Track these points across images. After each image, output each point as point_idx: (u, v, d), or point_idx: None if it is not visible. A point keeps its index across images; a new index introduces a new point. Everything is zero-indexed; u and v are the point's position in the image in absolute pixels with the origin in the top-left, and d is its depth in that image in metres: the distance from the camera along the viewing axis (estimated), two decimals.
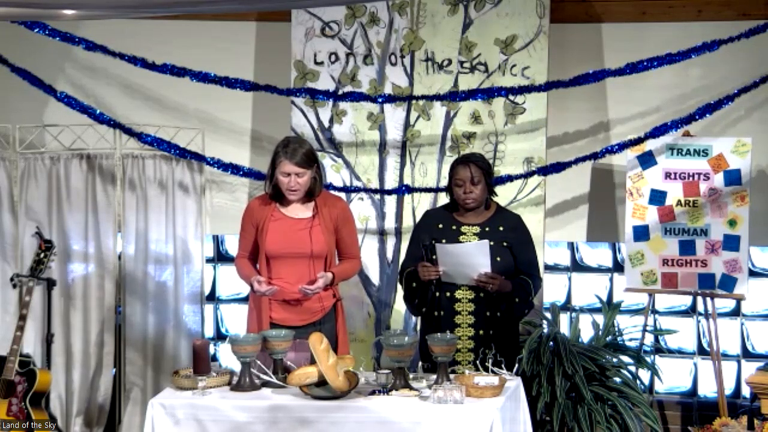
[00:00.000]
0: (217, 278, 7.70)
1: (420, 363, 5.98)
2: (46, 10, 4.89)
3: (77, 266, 7.32)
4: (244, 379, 5.40)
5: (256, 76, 7.26)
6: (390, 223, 7.10)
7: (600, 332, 6.76)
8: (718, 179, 6.74)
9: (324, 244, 5.76)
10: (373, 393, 5.30)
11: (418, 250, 5.87)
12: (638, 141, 6.78)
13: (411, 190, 7.00)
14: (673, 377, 7.17)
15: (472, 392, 5.24)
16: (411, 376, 5.50)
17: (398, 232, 7.07)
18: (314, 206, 5.81)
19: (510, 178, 6.83)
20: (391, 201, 7.10)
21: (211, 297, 7.68)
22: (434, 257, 5.76)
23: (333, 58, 7.14)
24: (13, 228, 7.24)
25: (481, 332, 5.81)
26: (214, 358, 7.46)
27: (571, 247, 7.36)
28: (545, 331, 6.65)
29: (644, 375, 6.98)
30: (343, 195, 6.72)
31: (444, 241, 5.83)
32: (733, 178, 6.72)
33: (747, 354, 7.13)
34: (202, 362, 5.41)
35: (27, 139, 7.23)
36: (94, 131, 7.23)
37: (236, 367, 5.52)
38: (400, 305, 6.91)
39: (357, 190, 7.07)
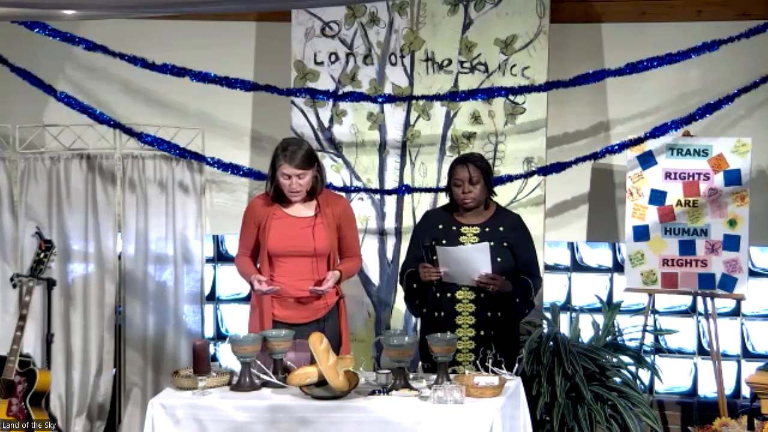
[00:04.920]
0: (217, 278, 7.71)
1: (420, 363, 5.98)
2: (46, 10, 4.89)
3: (77, 266, 7.32)
4: (244, 379, 5.40)
5: (256, 76, 7.26)
6: (390, 223, 7.10)
7: (600, 332, 6.76)
8: (718, 179, 6.74)
9: (327, 242, 5.77)
10: (373, 393, 5.30)
11: (418, 251, 5.87)
12: (638, 141, 6.78)
13: (411, 190, 7.00)
14: (673, 377, 7.17)
15: (472, 392, 5.24)
16: (411, 376, 5.50)
17: (398, 232, 7.07)
18: (316, 205, 5.82)
19: (510, 178, 6.83)
20: (391, 201, 7.10)
21: (211, 297, 7.69)
22: (435, 258, 5.76)
23: (333, 58, 7.14)
24: (13, 228, 7.24)
25: (481, 333, 5.81)
26: (214, 358, 7.46)
27: (571, 247, 7.36)
28: (545, 331, 6.65)
29: (644, 375, 6.98)
30: (343, 195, 6.71)
31: (444, 241, 5.83)
32: (733, 178, 6.72)
33: (747, 354, 7.13)
34: (202, 362, 5.41)
35: (27, 139, 7.23)
36: (94, 131, 7.23)
37: (236, 367, 5.52)
38: (400, 305, 6.91)
39: (357, 190, 7.07)
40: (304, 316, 5.79)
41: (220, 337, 7.68)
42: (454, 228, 5.89)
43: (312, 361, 5.36)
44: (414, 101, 7.00)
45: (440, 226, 5.91)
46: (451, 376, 5.40)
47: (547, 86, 6.77)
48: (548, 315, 6.83)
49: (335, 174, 7.12)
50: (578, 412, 6.35)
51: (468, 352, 5.80)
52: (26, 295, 6.71)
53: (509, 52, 6.95)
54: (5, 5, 4.65)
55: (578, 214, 7.25)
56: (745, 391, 6.98)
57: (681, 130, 6.76)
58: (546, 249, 7.03)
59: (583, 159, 6.82)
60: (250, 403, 5.25)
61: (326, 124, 7.15)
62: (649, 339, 7.02)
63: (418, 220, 6.57)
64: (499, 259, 5.77)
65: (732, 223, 6.71)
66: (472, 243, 5.82)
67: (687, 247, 6.78)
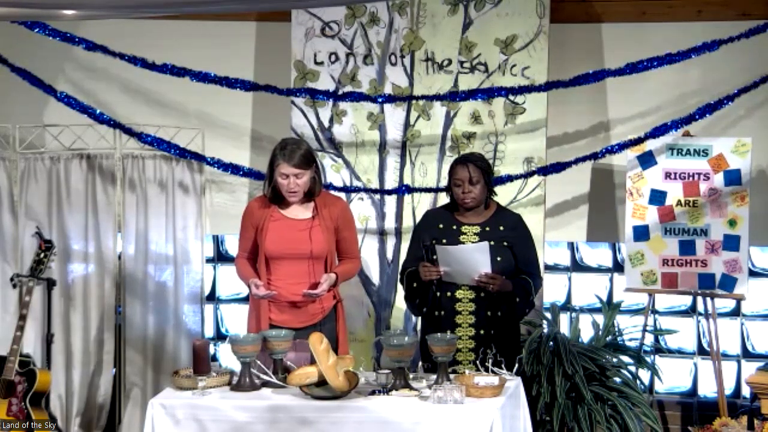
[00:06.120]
0: (217, 278, 7.71)
1: (420, 363, 5.98)
2: (46, 10, 4.89)
3: (77, 266, 7.32)
4: (244, 379, 5.40)
5: (256, 76, 7.26)
6: (390, 223, 7.10)
7: (600, 332, 6.76)
8: (718, 179, 6.74)
9: (324, 244, 5.76)
10: (373, 393, 5.30)
11: (418, 250, 5.87)
12: (638, 141, 6.78)
13: (411, 190, 7.00)
14: (673, 377, 7.17)
15: (472, 392, 5.24)
16: (411, 376, 5.50)
17: (398, 232, 7.07)
18: (314, 207, 5.81)
19: (510, 178, 6.83)
20: (391, 201, 7.10)
21: (211, 297, 7.69)
22: (435, 257, 5.76)
23: (333, 58, 7.14)
24: (13, 228, 7.24)
25: (481, 332, 5.81)
26: (214, 358, 7.46)
27: (571, 247, 7.36)
28: (545, 331, 6.65)
29: (644, 375, 6.98)
30: (343, 195, 6.71)
31: (444, 241, 5.83)
32: (733, 178, 6.72)
33: (747, 354, 7.13)
34: (202, 362, 5.41)
35: (27, 139, 7.23)
36: (94, 131, 7.23)
37: (236, 367, 5.52)
38: (400, 305, 6.91)
39: (357, 190, 7.07)
40: (301, 320, 5.77)
41: (220, 337, 7.68)
42: (455, 227, 5.89)
43: (312, 361, 5.36)
44: (414, 101, 7.00)
45: (441, 226, 5.91)
46: (451, 376, 5.40)
47: (547, 86, 6.77)
48: (548, 315, 6.84)
49: (335, 174, 7.12)
50: (578, 412, 6.35)
51: (468, 352, 5.80)
52: (26, 295, 6.71)
53: (509, 52, 6.95)
54: (5, 5, 4.65)
55: (578, 214, 7.25)
56: (745, 391, 6.98)
57: (681, 130, 6.76)
58: (546, 249, 7.03)
59: (583, 159, 6.82)
60: (250, 403, 5.25)
61: (326, 124, 7.15)
62: (649, 339, 7.02)
63: (418, 220, 6.57)
64: (499, 259, 5.76)
65: (732, 223, 6.71)
66: (473, 242, 5.82)
67: (687, 247, 6.78)
